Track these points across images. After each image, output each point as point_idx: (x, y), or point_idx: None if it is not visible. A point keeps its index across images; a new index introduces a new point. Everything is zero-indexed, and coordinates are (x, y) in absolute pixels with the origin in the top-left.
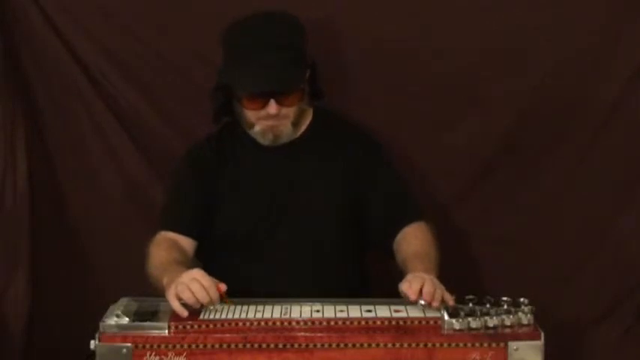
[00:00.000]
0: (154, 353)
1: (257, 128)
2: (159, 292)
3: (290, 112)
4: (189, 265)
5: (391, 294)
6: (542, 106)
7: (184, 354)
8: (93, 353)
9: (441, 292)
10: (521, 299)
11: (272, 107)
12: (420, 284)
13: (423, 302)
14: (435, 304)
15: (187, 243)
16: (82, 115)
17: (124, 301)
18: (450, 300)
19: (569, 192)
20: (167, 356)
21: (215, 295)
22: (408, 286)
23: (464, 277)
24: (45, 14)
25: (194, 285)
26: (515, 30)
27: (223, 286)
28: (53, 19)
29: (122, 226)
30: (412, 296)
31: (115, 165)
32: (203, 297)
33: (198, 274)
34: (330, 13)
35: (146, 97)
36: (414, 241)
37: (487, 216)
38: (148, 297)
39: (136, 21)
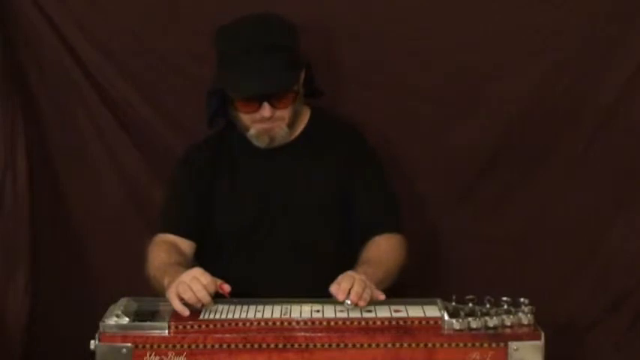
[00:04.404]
0: (153, 353)
1: (252, 131)
2: (159, 294)
3: (284, 114)
4: (189, 267)
5: (390, 294)
6: (542, 107)
7: (184, 354)
8: (93, 353)
9: (370, 291)
10: (521, 299)
11: (266, 110)
12: (349, 284)
13: (349, 302)
14: (362, 303)
15: (186, 245)
16: (82, 116)
17: (123, 301)
18: (381, 295)
19: (568, 192)
20: (167, 356)
21: (214, 291)
22: (337, 287)
23: (464, 277)
24: (45, 14)
25: (195, 284)
26: (515, 30)
27: (227, 287)
28: (53, 19)
29: (122, 226)
30: (340, 296)
31: (115, 165)
32: (204, 297)
33: (198, 272)
34: (330, 12)
35: (146, 97)
36: (374, 248)
37: (487, 216)
38: (147, 297)
39: (136, 21)
